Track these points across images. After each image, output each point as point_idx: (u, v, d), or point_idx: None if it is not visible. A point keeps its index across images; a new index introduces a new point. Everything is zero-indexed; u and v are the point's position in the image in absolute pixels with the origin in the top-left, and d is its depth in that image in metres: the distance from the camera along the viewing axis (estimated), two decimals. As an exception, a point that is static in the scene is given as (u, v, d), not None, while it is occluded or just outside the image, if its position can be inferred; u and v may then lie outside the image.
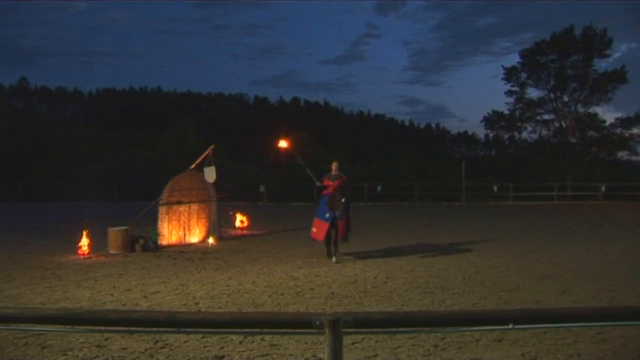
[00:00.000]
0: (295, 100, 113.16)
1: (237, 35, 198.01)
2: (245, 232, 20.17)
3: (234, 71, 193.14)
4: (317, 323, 3.07)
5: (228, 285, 10.62)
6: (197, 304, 9.21)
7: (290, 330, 3.56)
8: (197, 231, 17.73)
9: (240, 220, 20.94)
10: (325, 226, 13.42)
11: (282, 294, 9.92)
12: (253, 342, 6.84)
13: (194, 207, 17.73)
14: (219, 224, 18.50)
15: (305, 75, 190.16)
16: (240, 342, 6.84)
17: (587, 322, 3.86)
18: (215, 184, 18.26)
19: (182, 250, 15.47)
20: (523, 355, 6.38)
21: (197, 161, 17.72)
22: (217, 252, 15.25)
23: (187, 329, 3.38)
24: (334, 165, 14.22)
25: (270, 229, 20.82)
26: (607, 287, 10.40)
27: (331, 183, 13.87)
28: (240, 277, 11.44)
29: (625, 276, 11.48)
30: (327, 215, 13.35)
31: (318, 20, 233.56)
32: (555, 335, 7.00)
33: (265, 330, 3.56)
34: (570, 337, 6.96)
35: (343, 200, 13.07)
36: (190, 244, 16.90)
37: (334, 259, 13.38)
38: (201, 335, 6.87)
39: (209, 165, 17.53)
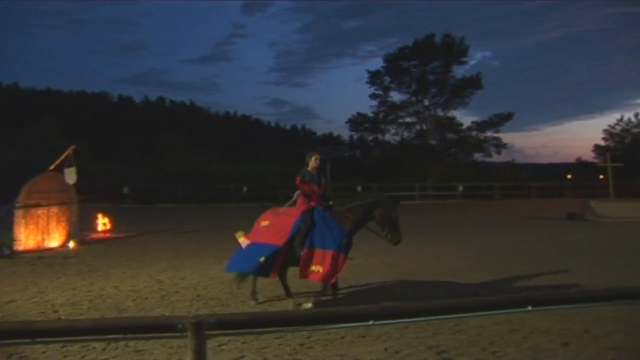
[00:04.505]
0: (161, 99, 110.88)
1: (98, 31, 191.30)
2: (108, 235, 19.56)
3: (96, 68, 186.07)
4: (180, 326, 3.05)
5: (90, 291, 10.25)
6: (56, 311, 8.83)
7: (153, 335, 3.52)
8: (57, 235, 16.95)
9: (103, 222, 20.30)
10: (343, 261, 8.60)
11: (147, 298, 9.72)
12: (117, 348, 6.66)
13: (54, 209, 16.95)
14: (80, 227, 17.84)
15: (170, 75, 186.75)
16: (103, 350, 6.64)
17: (445, 315, 4.07)
18: (76, 185, 17.62)
19: (41, 256, 14.73)
20: (386, 349, 6.59)
21: (57, 162, 17.01)
22: (79, 256, 14.67)
23: (45, 339, 3.26)
24: (314, 160, 9.42)
25: (134, 232, 20.30)
26: (465, 281, 10.95)
27: (313, 188, 9.30)
28: (103, 282, 11.08)
29: (481, 271, 12.14)
30: (344, 241, 8.60)
31: (183, 19, 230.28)
32: (417, 329, 7.28)
33: (128, 336, 3.48)
34: (431, 330, 7.26)
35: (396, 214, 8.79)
36: (50, 249, 16.10)
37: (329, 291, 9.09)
38: (61, 345, 6.59)
39: (70, 166, 16.89)
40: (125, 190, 39.55)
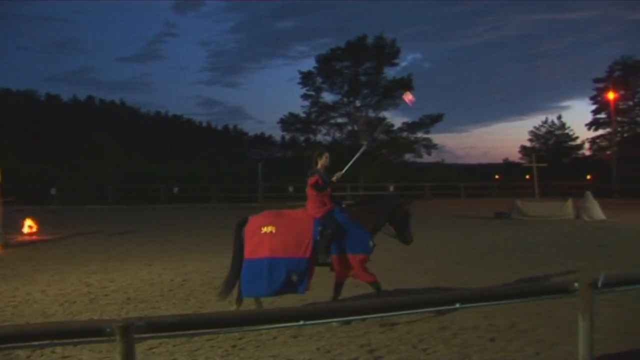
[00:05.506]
0: (90, 98, 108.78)
1: (27, 27, 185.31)
2: (34, 237, 19.02)
3: (23, 65, 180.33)
4: (108, 330, 3.01)
5: (14, 296, 9.93)
6: (-22, 318, 8.55)
7: (80, 340, 3.45)
8: (-21, 238, 16.41)
9: (28, 225, 19.74)
10: (365, 261, 8.18)
11: (75, 301, 9.49)
12: (42, 355, 6.48)
13: (-25, 212, 16.42)
14: (4, 230, 17.29)
15: (101, 73, 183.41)
16: (28, 357, 6.45)
17: (375, 314, 4.14)
18: (0, 186, 17.10)
19: (-38, 260, 14.24)
20: (318, 349, 6.62)
21: (-21, 163, 16.50)
22: (3, 260, 14.19)
23: (-37, 349, 3.16)
24: (325, 158, 8.63)
25: (62, 234, 19.79)
26: (395, 279, 11.10)
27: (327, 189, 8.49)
28: (29, 286, 10.75)
29: (411, 269, 12.35)
30: (371, 244, 8.16)
31: (114, 16, 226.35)
32: (348, 328, 7.35)
33: (55, 341, 3.40)
34: (362, 328, 7.34)
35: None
36: (-29, 253, 15.59)
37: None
38: (-19, 354, 6.39)
39: (-7, 167, 16.42)
40: (53, 191, 38.60)
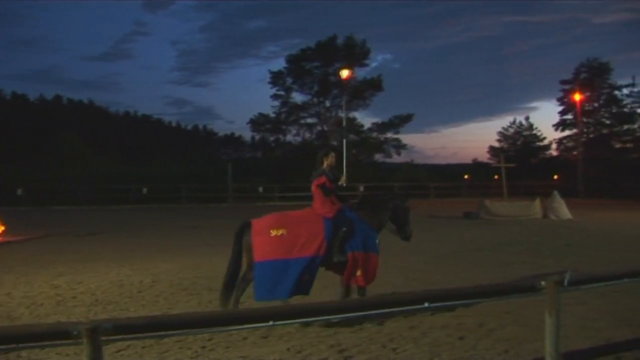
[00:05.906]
0: (58, 98, 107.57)
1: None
2: (0, 239, 18.72)
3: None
4: (75, 333, 2.98)
5: (-21, 299, 9.79)
6: (-59, 321, 8.38)
7: (47, 343, 3.41)
8: (-57, 240, 16.12)
9: (-6, 226, 19.43)
10: (376, 260, 8.24)
11: (42, 304, 9.34)
12: None
13: (-61, 213, 16.12)
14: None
15: (69, 72, 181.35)
16: (-7, 360, 6.37)
17: (345, 314, 4.15)
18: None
19: None
20: (288, 349, 6.63)
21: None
22: (-33, 262, 13.98)
23: None
24: (331, 158, 8.56)
25: (29, 235, 19.51)
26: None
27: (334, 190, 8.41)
28: (-6, 289, 10.60)
29: (382, 269, 12.36)
30: (378, 241, 8.21)
31: (83, 15, 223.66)
32: (318, 328, 7.35)
33: (20, 345, 3.36)
34: (332, 329, 7.34)
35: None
36: None
37: None
38: (-55, 359, 6.27)
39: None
40: (19, 192, 37.99)
